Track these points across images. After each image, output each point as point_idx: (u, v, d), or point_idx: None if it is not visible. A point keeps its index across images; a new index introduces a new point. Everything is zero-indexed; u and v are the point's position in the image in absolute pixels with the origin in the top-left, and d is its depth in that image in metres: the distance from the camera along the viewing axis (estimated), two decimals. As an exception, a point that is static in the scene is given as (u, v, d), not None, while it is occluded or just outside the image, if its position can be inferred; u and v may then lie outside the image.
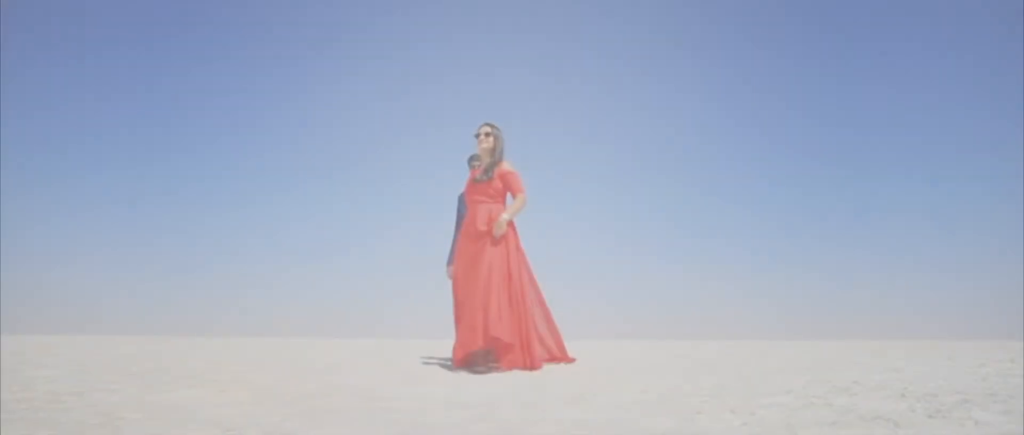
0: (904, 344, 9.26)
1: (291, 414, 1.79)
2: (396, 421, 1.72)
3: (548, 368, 3.59)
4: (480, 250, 3.65)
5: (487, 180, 3.78)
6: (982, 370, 3.09)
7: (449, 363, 3.73)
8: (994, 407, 1.82)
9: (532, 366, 3.45)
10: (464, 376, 3.18)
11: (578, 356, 3.93)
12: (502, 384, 2.73)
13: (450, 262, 4.41)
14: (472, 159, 4.42)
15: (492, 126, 3.88)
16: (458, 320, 3.68)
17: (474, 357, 3.54)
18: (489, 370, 3.38)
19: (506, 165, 3.83)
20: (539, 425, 1.65)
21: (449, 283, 4.13)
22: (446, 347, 4.31)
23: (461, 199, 4.53)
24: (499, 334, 3.42)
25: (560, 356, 3.81)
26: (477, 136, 3.87)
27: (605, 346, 7.96)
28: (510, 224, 3.74)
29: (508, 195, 3.84)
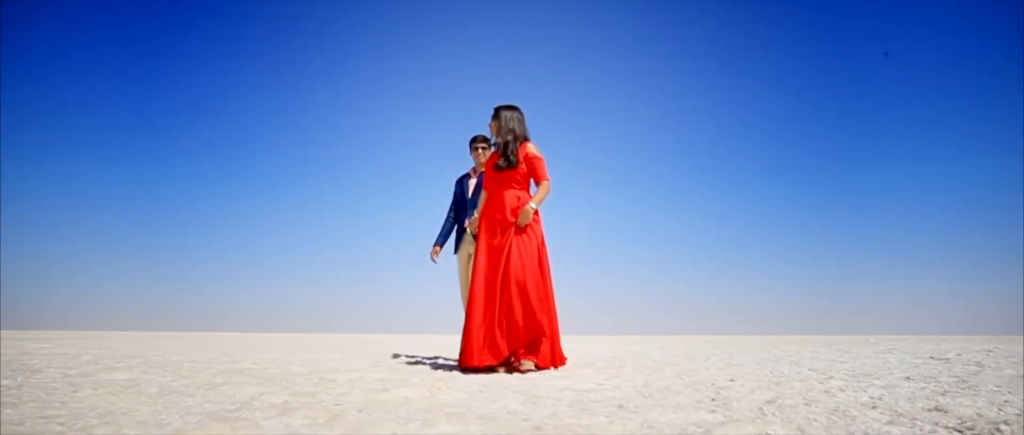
0: (794, 339, 10.63)
1: (558, 409, 1.83)
2: (697, 401, 1.87)
3: (643, 361, 3.82)
4: (507, 244, 3.41)
5: (511, 165, 3.49)
6: (902, 359, 3.99)
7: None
8: (1002, 385, 2.38)
9: (561, 362, 3.48)
10: (591, 371, 3.27)
11: (584, 353, 4.10)
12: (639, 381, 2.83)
13: (438, 243, 4.35)
14: (475, 140, 4.25)
15: (498, 109, 3.60)
16: (472, 319, 3.37)
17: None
18: (527, 368, 3.36)
19: (532, 148, 3.54)
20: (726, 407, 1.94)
21: (452, 275, 4.13)
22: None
23: (458, 183, 4.41)
24: (539, 339, 3.36)
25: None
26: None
27: (585, 342, 8.31)
28: (535, 213, 3.50)
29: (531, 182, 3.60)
